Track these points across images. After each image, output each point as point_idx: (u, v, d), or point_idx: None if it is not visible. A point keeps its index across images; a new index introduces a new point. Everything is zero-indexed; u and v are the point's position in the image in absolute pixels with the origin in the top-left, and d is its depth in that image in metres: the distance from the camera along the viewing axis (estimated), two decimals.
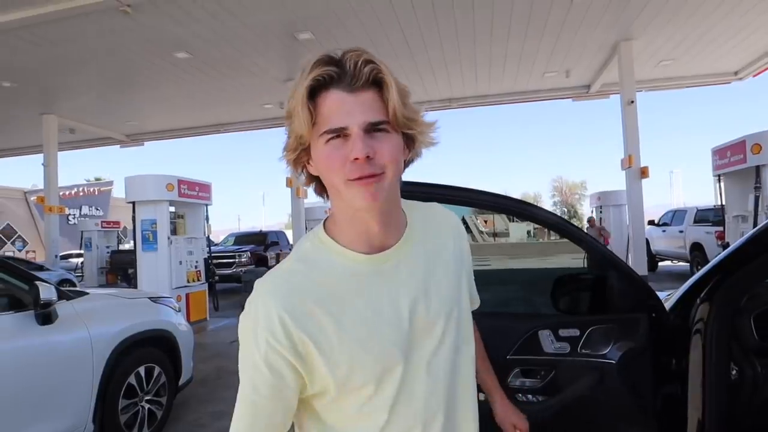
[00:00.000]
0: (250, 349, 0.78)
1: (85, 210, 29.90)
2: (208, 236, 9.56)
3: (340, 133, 0.72)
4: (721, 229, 8.64)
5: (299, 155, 0.79)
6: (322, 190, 0.83)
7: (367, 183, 0.72)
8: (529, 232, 28.11)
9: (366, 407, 0.79)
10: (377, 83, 0.73)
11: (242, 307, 0.87)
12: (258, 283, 0.81)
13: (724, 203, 8.18)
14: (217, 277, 9.85)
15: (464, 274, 0.93)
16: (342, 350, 0.76)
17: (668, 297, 1.90)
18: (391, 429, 0.80)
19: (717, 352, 1.56)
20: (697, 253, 11.61)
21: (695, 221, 12.28)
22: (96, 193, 31.85)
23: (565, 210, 49.57)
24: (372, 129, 0.72)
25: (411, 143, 0.80)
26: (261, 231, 17.74)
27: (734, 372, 1.63)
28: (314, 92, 0.73)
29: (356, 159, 0.71)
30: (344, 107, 0.71)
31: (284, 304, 0.75)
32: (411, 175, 0.94)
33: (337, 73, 0.72)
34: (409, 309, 0.80)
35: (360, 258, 0.80)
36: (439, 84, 13.20)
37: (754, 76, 13.49)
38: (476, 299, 1.05)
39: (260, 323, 0.76)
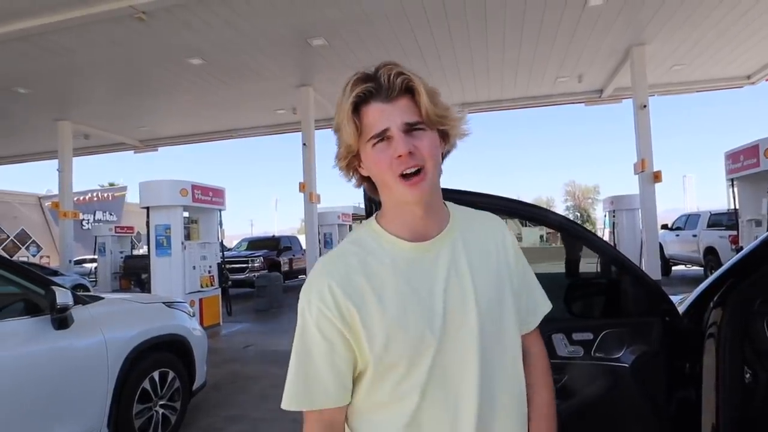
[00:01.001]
0: (305, 318, 0.87)
1: (99, 215, 30.23)
2: (222, 241, 9.63)
3: (383, 137, 0.84)
4: (734, 233, 8.54)
5: (350, 161, 0.91)
6: (372, 188, 0.94)
7: (414, 183, 0.83)
8: (541, 237, 27.92)
9: (398, 389, 0.86)
10: (409, 91, 0.85)
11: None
12: (316, 262, 0.92)
13: (737, 207, 8.09)
14: (230, 282, 9.90)
15: (508, 284, 0.95)
16: (380, 324, 0.84)
17: (681, 301, 1.89)
18: (422, 414, 0.85)
19: (730, 355, 1.55)
20: (711, 257, 11.46)
21: (709, 225, 12.13)
22: (110, 198, 32.21)
23: (578, 214, 49.15)
24: (410, 129, 0.84)
25: (446, 137, 0.91)
26: (274, 236, 17.84)
27: (748, 376, 1.62)
28: (357, 107, 0.85)
29: (399, 156, 0.82)
30: (384, 114, 0.83)
31: (335, 276, 0.86)
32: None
33: (374, 87, 0.84)
34: (444, 299, 0.87)
35: (405, 245, 0.89)
36: (452, 89, 13.23)
37: (767, 80, 13.33)
38: (533, 316, 1.03)
39: (314, 294, 0.86)
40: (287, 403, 0.88)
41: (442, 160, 0.92)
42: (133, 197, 31.49)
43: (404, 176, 0.83)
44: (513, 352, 0.94)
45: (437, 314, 0.85)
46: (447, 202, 0.97)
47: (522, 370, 0.96)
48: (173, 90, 12.58)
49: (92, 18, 8.20)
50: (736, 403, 1.55)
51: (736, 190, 8.09)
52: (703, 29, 10.08)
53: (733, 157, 8.02)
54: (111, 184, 39.16)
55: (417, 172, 0.83)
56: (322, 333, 0.85)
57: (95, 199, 31.47)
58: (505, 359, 0.92)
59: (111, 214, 30.74)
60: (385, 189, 0.89)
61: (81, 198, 28.25)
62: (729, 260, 1.75)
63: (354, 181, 0.95)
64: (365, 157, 0.88)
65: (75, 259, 16.29)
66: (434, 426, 0.86)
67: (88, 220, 28.75)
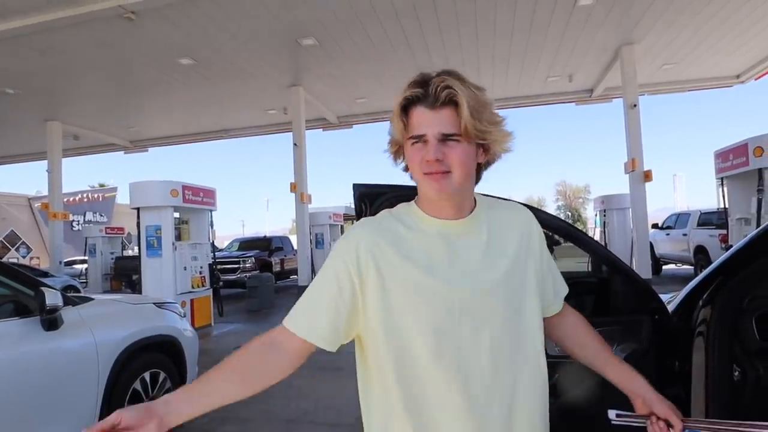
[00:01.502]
0: (329, 263, 1.00)
1: (89, 216, 29.96)
2: (213, 242, 9.58)
3: (420, 139, 0.94)
4: (724, 232, 8.61)
5: (397, 150, 1.03)
6: None
7: (436, 178, 0.93)
8: None
9: (410, 349, 0.94)
10: (454, 103, 0.91)
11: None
12: (357, 222, 1.06)
13: (726, 206, 8.16)
14: (221, 283, 9.86)
15: (531, 269, 1.03)
16: (398, 276, 0.94)
17: (671, 299, 1.90)
18: (432, 375, 0.93)
19: (719, 353, 1.56)
20: (701, 256, 11.57)
21: (699, 224, 12.24)
22: (100, 199, 31.94)
23: (569, 214, 49.45)
24: (445, 138, 0.92)
25: (487, 149, 0.99)
26: (265, 236, 17.79)
27: (737, 374, 1.63)
28: (407, 107, 0.95)
29: (428, 160, 0.92)
30: (425, 120, 0.93)
31: (364, 237, 0.98)
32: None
33: (422, 93, 0.93)
34: (461, 274, 0.95)
35: (433, 221, 0.99)
36: None
37: (756, 79, 13.48)
38: (558, 299, 1.14)
39: (342, 247, 0.99)
40: (287, 323, 0.99)
41: (484, 169, 1.03)
42: (123, 198, 31.28)
43: (427, 174, 0.94)
44: (533, 332, 1.01)
45: (453, 287, 0.94)
46: (475, 193, 1.07)
47: (542, 351, 1.03)
48: (163, 90, 12.51)
49: (81, 18, 8.14)
50: (725, 401, 1.56)
51: (725, 189, 8.16)
52: (693, 28, 10.18)
53: (722, 156, 8.08)
54: (101, 185, 38.85)
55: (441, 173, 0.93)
56: (338, 279, 0.96)
57: (85, 200, 31.18)
58: (524, 339, 0.99)
59: (101, 215, 30.48)
60: (417, 182, 1.01)
61: (71, 199, 27.98)
62: (718, 259, 1.77)
63: (402, 165, 1.06)
64: (405, 151, 0.99)
65: (65, 260, 16.15)
66: (443, 388, 0.92)
67: (79, 221, 28.49)
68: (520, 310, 0.99)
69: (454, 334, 0.93)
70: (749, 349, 1.67)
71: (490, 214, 1.04)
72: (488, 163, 1.03)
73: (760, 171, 7.06)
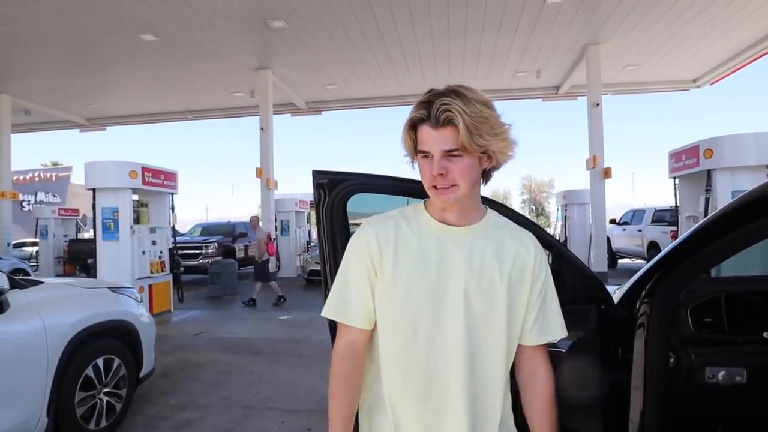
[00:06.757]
0: (349, 253, 1.16)
1: (41, 196, 28.70)
2: (174, 226, 9.35)
3: (427, 155, 1.06)
4: (675, 228, 8.98)
5: (412, 158, 1.14)
6: None
7: (442, 192, 1.06)
8: None
9: (390, 321, 1.12)
10: (453, 123, 1.02)
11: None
12: (367, 220, 1.19)
13: (677, 204, 8.51)
14: (182, 269, 9.65)
15: (509, 292, 1.11)
16: (394, 268, 1.10)
17: (617, 290, 1.99)
18: (401, 358, 1.10)
19: (658, 342, 1.65)
20: (653, 251, 12.05)
21: (653, 221, 12.75)
22: (53, 178, 30.59)
23: (534, 207, 50.54)
24: (447, 154, 1.03)
25: (491, 157, 1.08)
26: (229, 222, 17.46)
27: (672, 360, 1.74)
28: (415, 125, 1.07)
29: (434, 175, 1.05)
30: (429, 138, 1.04)
31: (374, 229, 1.14)
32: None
33: (426, 115, 1.04)
34: (446, 278, 1.08)
35: (434, 223, 1.13)
36: (413, 78, 13.28)
37: (711, 84, 14.05)
38: (542, 334, 1.18)
39: (358, 239, 1.16)
40: (326, 312, 1.15)
41: (489, 173, 1.13)
42: (78, 178, 30.05)
43: (436, 187, 1.06)
44: (501, 347, 1.12)
45: (439, 288, 1.07)
46: (491, 210, 1.19)
47: (504, 369, 1.14)
48: (124, 67, 12.03)
49: None
50: (661, 386, 1.66)
51: (677, 187, 8.49)
52: (655, 33, 10.52)
53: (675, 156, 8.38)
54: (54, 164, 37.20)
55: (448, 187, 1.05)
56: (358, 265, 1.13)
57: (37, 179, 29.85)
58: (494, 351, 1.11)
59: (54, 196, 29.25)
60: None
61: (21, 178, 26.76)
62: (659, 254, 1.86)
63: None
64: (417, 163, 1.11)
65: (14, 242, 15.44)
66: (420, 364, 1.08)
67: (29, 201, 27.27)
68: (492, 326, 1.10)
69: (429, 335, 1.07)
70: (684, 337, 1.78)
71: (492, 230, 1.15)
72: (492, 168, 1.12)
73: (708, 172, 7.35)
